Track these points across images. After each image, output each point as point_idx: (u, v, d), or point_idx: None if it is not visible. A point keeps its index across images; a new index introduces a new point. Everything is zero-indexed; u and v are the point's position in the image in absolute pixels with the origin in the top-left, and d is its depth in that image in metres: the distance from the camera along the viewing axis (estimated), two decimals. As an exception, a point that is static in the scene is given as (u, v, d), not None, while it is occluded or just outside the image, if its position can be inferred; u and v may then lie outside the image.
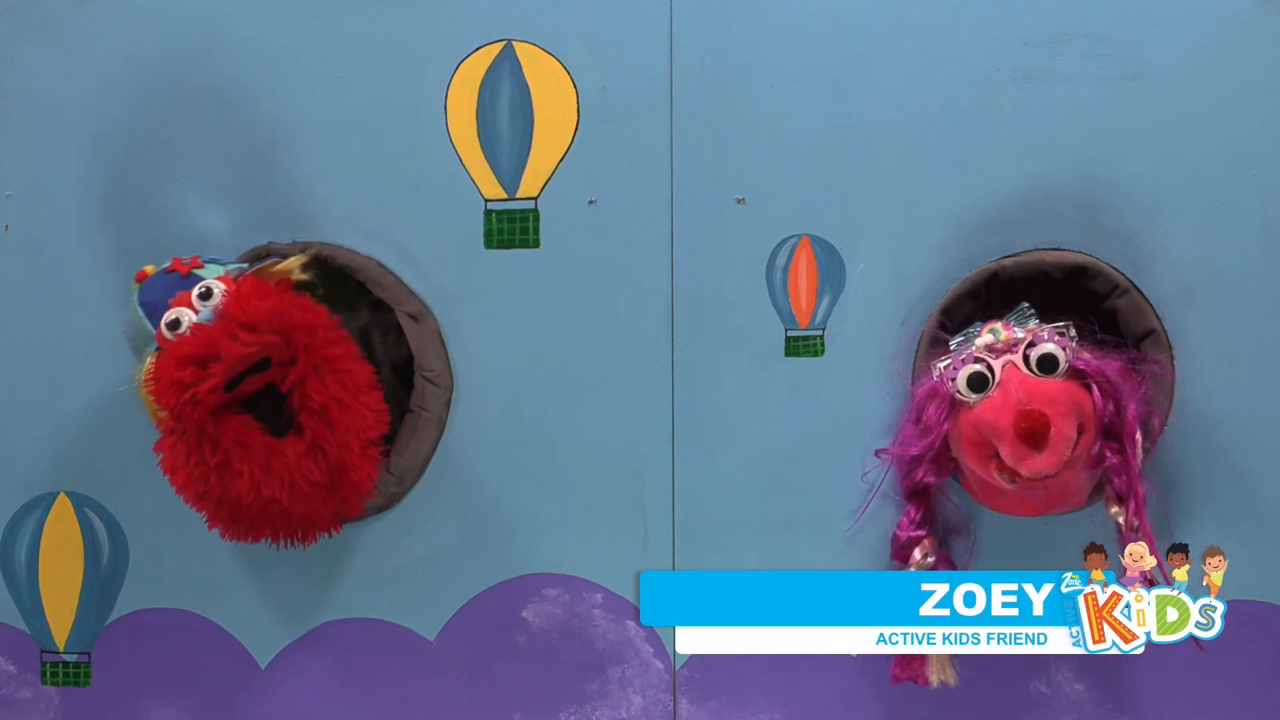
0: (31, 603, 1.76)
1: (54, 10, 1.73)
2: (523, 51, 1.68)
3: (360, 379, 1.55)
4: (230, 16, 1.70)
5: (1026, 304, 1.56)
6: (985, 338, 1.53)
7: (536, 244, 1.68)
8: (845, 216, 1.65)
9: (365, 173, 1.70)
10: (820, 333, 1.66)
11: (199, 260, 1.56)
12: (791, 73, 1.65)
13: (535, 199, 1.68)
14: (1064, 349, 1.51)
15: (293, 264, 1.60)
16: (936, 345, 1.59)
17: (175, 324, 1.50)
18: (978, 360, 1.52)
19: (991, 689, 1.65)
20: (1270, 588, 1.63)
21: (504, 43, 1.68)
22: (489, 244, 1.69)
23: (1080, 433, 1.48)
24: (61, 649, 1.76)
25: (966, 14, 1.63)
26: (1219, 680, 1.63)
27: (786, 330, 1.66)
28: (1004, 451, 1.46)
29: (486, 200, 1.69)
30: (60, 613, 1.75)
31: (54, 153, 1.73)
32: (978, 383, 1.50)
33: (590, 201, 1.68)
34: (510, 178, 1.68)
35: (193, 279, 1.53)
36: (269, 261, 1.59)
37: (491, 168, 1.68)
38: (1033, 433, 1.44)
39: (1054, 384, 1.49)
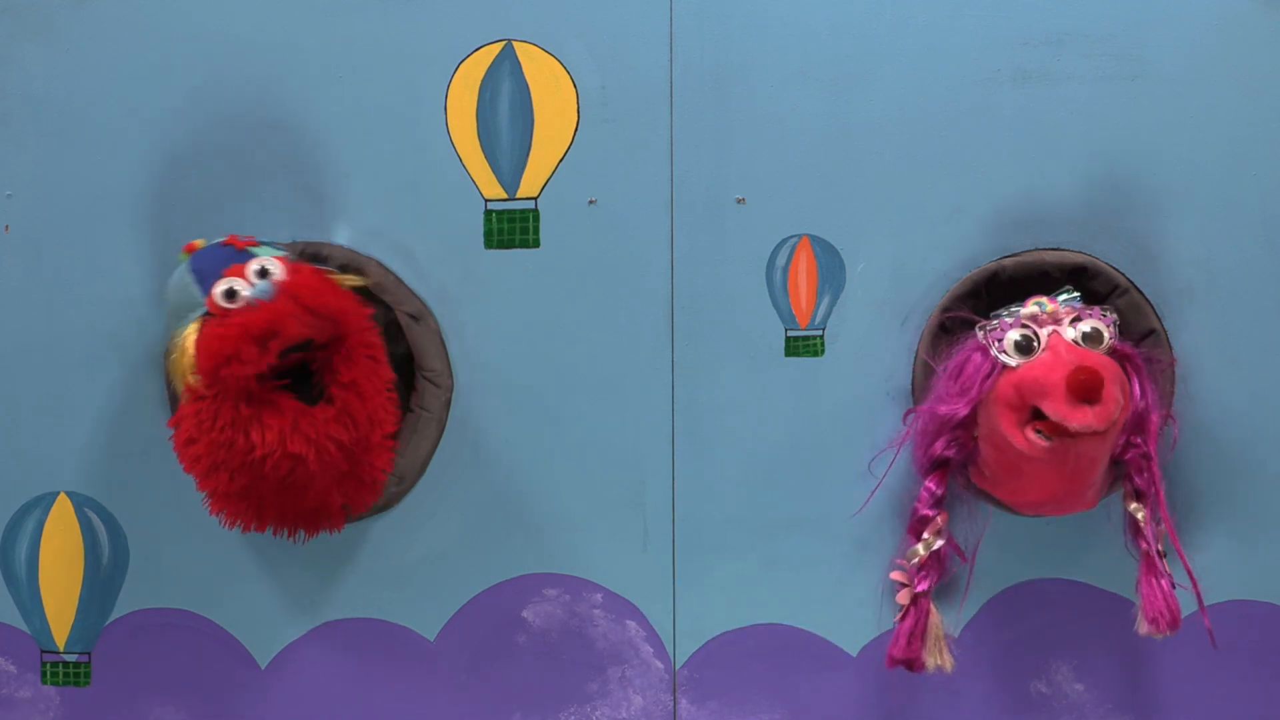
0: (31, 603, 1.76)
1: (54, 10, 1.73)
2: (523, 51, 1.68)
3: (386, 376, 1.61)
4: (230, 17, 1.70)
5: (1071, 287, 1.57)
6: (1031, 309, 1.54)
7: (536, 244, 1.68)
8: (845, 216, 1.65)
9: (365, 173, 1.70)
10: (820, 333, 1.66)
11: (255, 240, 1.58)
12: (791, 73, 1.65)
13: (535, 199, 1.68)
14: (1108, 327, 1.52)
15: (344, 277, 1.64)
16: (938, 339, 1.60)
17: (231, 294, 1.52)
18: (1024, 326, 1.52)
19: (991, 689, 1.65)
20: (1270, 588, 1.63)
21: (504, 43, 1.68)
22: (489, 244, 1.69)
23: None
24: (61, 649, 1.76)
25: (966, 14, 1.63)
26: (1219, 680, 1.63)
27: (786, 330, 1.66)
28: (1051, 408, 1.46)
29: (486, 200, 1.69)
30: (60, 613, 1.75)
31: (54, 153, 1.73)
32: (1025, 346, 1.51)
33: (590, 201, 1.68)
34: (510, 178, 1.68)
35: (247, 255, 1.56)
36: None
37: (491, 168, 1.68)
38: (1088, 386, 1.44)
39: (1101, 355, 1.50)
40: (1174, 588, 1.53)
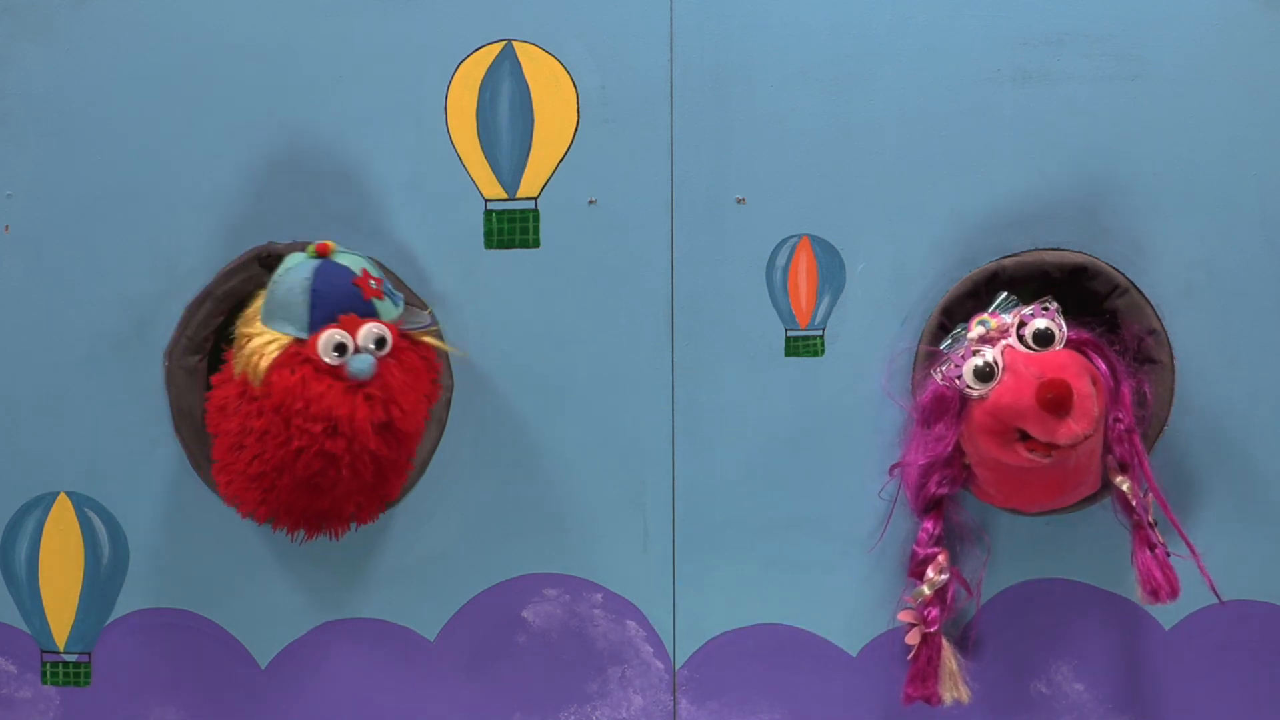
0: (31, 603, 1.76)
1: (54, 10, 1.73)
2: (523, 51, 1.68)
3: (430, 406, 1.61)
4: (230, 17, 1.70)
5: (1007, 292, 1.57)
6: (976, 330, 1.54)
7: (536, 244, 1.68)
8: (845, 216, 1.65)
9: (365, 173, 1.70)
10: (820, 333, 1.66)
11: (382, 285, 1.57)
12: (791, 73, 1.65)
13: (535, 199, 1.68)
14: (1053, 320, 1.52)
15: (441, 344, 1.64)
16: (932, 360, 1.59)
17: (342, 349, 1.51)
18: (976, 353, 1.52)
19: (991, 689, 1.65)
20: (1270, 588, 1.63)
21: (504, 43, 1.68)
22: (489, 244, 1.69)
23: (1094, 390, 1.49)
24: (61, 649, 1.76)
25: (966, 14, 1.63)
26: (1219, 680, 1.63)
27: (786, 330, 1.66)
28: (1033, 429, 1.46)
29: (486, 200, 1.69)
30: (60, 613, 1.75)
31: (54, 153, 1.73)
32: (985, 373, 1.51)
33: (590, 201, 1.68)
34: (510, 178, 1.68)
35: (370, 308, 1.54)
36: (423, 327, 1.61)
37: (491, 168, 1.68)
38: (1058, 401, 1.44)
39: (1058, 352, 1.50)
40: (1169, 555, 1.53)
